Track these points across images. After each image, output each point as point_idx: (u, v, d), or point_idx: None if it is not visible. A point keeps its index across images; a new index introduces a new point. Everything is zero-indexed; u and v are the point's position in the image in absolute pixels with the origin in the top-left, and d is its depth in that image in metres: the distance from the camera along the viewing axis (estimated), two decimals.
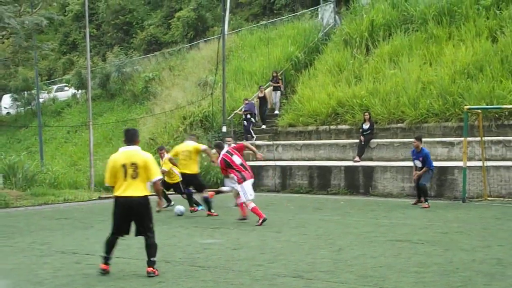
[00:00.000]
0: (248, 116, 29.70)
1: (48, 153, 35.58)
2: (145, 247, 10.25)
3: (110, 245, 10.34)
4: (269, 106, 31.72)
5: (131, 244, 12.75)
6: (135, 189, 10.06)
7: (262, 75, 34.19)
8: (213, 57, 35.81)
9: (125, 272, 10.57)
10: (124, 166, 10.08)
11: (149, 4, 59.37)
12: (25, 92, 47.64)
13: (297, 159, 27.46)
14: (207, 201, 18.50)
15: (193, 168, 18.69)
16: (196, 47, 44.40)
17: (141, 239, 10.35)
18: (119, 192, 10.13)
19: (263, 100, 31.20)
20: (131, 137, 10.39)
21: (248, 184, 16.48)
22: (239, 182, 16.45)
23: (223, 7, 33.89)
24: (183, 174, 19.05)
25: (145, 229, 10.23)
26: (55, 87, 51.53)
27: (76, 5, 59.36)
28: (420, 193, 20.00)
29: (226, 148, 17.40)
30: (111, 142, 36.33)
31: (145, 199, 10.17)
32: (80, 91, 46.11)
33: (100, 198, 25.76)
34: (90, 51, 31.28)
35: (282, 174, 26.74)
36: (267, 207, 19.95)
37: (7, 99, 49.70)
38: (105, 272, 10.21)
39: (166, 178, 19.73)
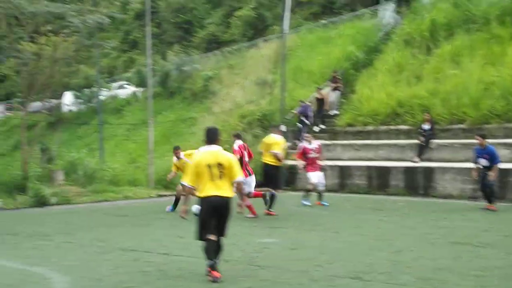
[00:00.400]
0: (302, 118, 29.58)
1: (108, 150, 35.95)
2: (213, 248, 9.97)
3: (210, 250, 9.93)
4: (326, 108, 31.42)
5: (190, 243, 12.79)
6: (222, 189, 9.83)
7: (321, 75, 34.02)
8: (272, 56, 35.82)
9: (183, 270, 10.61)
10: (209, 166, 9.83)
11: (209, 2, 59.68)
12: (86, 90, 48.33)
13: (356, 159, 27.24)
14: (272, 198, 18.45)
15: (277, 161, 18.58)
16: (255, 46, 44.45)
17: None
18: (206, 192, 9.84)
19: (320, 101, 30.98)
20: (212, 137, 10.16)
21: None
22: (247, 176, 17.23)
23: (284, 6, 33.79)
24: (267, 165, 18.75)
25: (223, 231, 10.05)
26: (115, 84, 52.16)
27: (137, 4, 60.04)
28: (488, 194, 19.30)
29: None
30: (170, 140, 36.57)
31: (230, 199, 9.97)
32: (140, 89, 46.56)
33: (159, 195, 25.99)
34: (151, 49, 31.53)
35: (340, 174, 26.56)
36: (322, 206, 19.89)
37: (69, 96, 50.49)
38: (218, 280, 9.68)
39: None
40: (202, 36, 55.33)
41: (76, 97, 49.38)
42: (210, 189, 9.83)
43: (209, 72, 41.82)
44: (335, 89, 31.68)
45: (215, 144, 10.10)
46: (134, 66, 49.49)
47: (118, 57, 60.42)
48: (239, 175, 10.14)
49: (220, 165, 9.87)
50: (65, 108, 51.09)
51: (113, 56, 59.48)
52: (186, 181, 10.02)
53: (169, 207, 19.97)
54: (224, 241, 10.17)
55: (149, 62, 31.21)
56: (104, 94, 46.94)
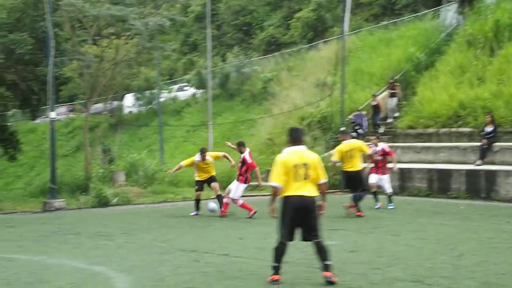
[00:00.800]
0: (357, 127, 29.37)
1: (168, 152, 36.30)
2: (317, 251, 9.84)
3: (281, 253, 9.83)
4: (382, 115, 30.92)
5: (249, 244, 12.86)
6: (307, 189, 9.75)
7: (382, 76, 33.72)
8: (332, 57, 35.62)
9: (243, 271, 10.62)
10: (295, 166, 9.76)
11: (269, 4, 59.74)
12: (147, 92, 48.86)
13: (416, 162, 26.90)
14: (359, 199, 18.39)
15: (357, 165, 18.55)
16: (315, 47, 44.31)
17: (258, 239, 10.35)
18: (291, 192, 9.76)
19: (376, 108, 30.54)
20: (297, 137, 10.10)
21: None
22: (243, 182, 18.86)
23: (344, 7, 33.63)
24: (346, 172, 18.75)
25: (316, 232, 9.87)
26: (175, 86, 52.59)
27: (197, 6, 60.45)
28: None
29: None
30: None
31: (314, 199, 9.85)
32: (199, 91, 46.87)
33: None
34: (211, 52, 31.74)
35: (400, 176, 26.26)
36: (385, 209, 19.71)
37: (129, 98, 51.11)
38: (278, 283, 9.67)
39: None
40: (262, 38, 55.41)
41: (137, 99, 49.94)
42: (294, 189, 9.76)
43: (268, 74, 41.86)
44: (392, 95, 31.23)
45: (300, 144, 10.04)
46: (194, 68, 49.75)
47: (178, 59, 60.88)
48: (324, 177, 10.03)
49: (305, 165, 9.80)
50: (126, 110, 51.70)
51: (173, 58, 59.97)
52: (274, 181, 9.97)
53: (194, 212, 19.76)
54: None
55: (209, 64, 31.40)
56: (164, 96, 47.40)
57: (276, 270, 9.74)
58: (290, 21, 53.76)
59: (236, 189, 18.98)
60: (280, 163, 9.88)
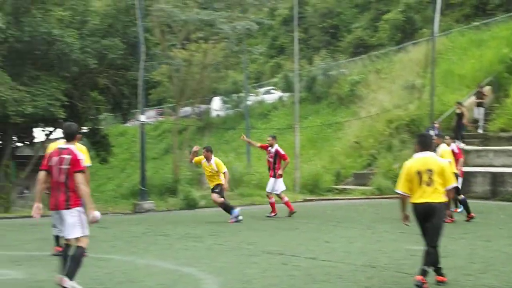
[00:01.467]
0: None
1: (254, 155, 36.41)
2: (425, 255, 9.69)
3: (426, 256, 9.73)
4: (465, 123, 29.43)
5: (337, 248, 12.77)
6: (431, 195, 9.69)
7: (473, 79, 32.97)
8: (421, 59, 35.09)
9: (331, 275, 10.55)
10: (419, 172, 9.74)
11: (356, 6, 59.38)
12: (234, 95, 49.20)
13: (509, 166, 26.18)
14: (464, 203, 18.12)
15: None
16: (403, 49, 43.74)
17: (346, 243, 10.26)
18: (415, 199, 9.78)
19: (460, 117, 29.37)
20: (425, 143, 10.08)
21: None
22: (280, 177, 19.76)
23: (434, 8, 33.02)
24: None
25: (437, 237, 9.82)
26: (262, 90, 52.80)
27: (284, 10, 60.56)
28: None
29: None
30: (315, 145, 36.64)
31: (441, 205, 9.81)
32: (286, 94, 46.92)
33: (305, 200, 26.05)
34: (298, 55, 31.72)
35: (492, 181, 25.60)
36: (477, 215, 19.24)
37: (217, 101, 51.58)
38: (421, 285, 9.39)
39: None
40: (349, 41, 55.13)
41: (224, 102, 50.37)
42: (419, 196, 9.76)
43: (355, 76, 41.56)
44: (479, 105, 30.09)
45: (428, 150, 9.99)
46: (280, 71, 49.90)
47: (265, 62, 61.16)
48: (452, 183, 9.93)
49: (430, 171, 9.73)
50: (214, 113, 52.21)
51: (260, 62, 60.28)
52: (398, 188, 9.98)
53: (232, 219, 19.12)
54: (373, 246, 9.96)
55: (296, 67, 31.38)
56: (251, 99, 47.62)
57: (423, 272, 9.51)
58: (378, 23, 53.28)
59: (277, 184, 19.74)
60: (404, 170, 9.89)
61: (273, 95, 49.97)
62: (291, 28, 43.59)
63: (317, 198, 27.13)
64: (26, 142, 37.29)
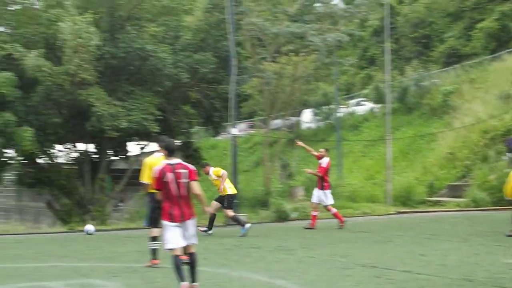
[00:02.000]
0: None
1: (346, 167, 36.21)
2: None
3: None
4: None
5: (432, 261, 12.53)
6: None
7: None
8: None
9: None
10: None
11: (449, 16, 58.38)
12: (325, 107, 49.07)
13: None
14: None
15: None
16: (499, 58, 42.71)
17: (441, 256, 10.05)
18: None
19: None
20: None
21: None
22: (328, 188, 20.60)
23: None
24: None
25: None
26: (353, 101, 52.48)
27: (375, 21, 60.12)
28: None
29: None
30: (408, 157, 36.14)
31: None
32: (377, 105, 46.48)
33: (398, 212, 25.71)
34: (389, 65, 31.41)
35: None
36: None
37: (307, 113, 51.55)
38: None
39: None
40: (441, 50, 54.21)
41: (315, 114, 50.29)
42: None
43: (448, 86, 40.79)
44: None
45: None
46: (371, 83, 49.51)
47: (356, 74, 60.77)
48: None
49: None
50: (304, 125, 52.18)
51: (351, 73, 59.93)
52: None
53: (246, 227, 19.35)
54: (470, 259, 9.72)
55: (387, 78, 31.06)
56: (341, 111, 47.40)
57: None
58: (471, 32, 52.21)
59: (326, 196, 20.36)
60: None
61: (364, 107, 49.59)
62: (382, 39, 43.27)
63: (410, 210, 26.74)
64: (121, 156, 38.17)
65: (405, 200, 27.77)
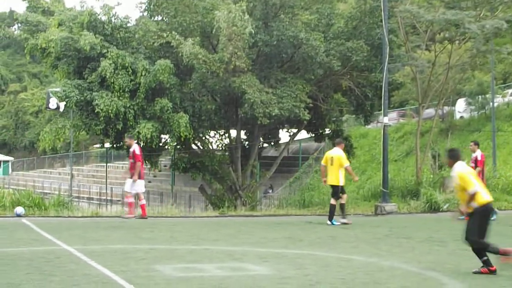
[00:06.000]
0: None
1: (501, 158, 35.11)
2: None
3: None
4: None
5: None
6: None
7: None
8: None
9: None
10: None
11: None
12: (480, 96, 47.66)
13: None
14: None
15: None
16: None
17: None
18: None
19: None
20: None
21: None
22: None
23: None
24: None
25: None
26: (510, 91, 50.68)
27: None
28: None
29: None
30: None
31: None
32: None
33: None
34: None
35: None
36: None
37: (461, 103, 50.30)
38: None
39: None
40: None
41: (469, 103, 48.96)
42: None
43: None
44: None
45: None
46: None
47: None
48: None
49: None
50: (457, 115, 50.97)
51: (508, 62, 57.78)
52: None
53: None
54: None
55: None
56: (497, 101, 45.87)
57: None
58: None
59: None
60: None
61: None
62: None
63: None
64: (271, 143, 38.70)
65: None
